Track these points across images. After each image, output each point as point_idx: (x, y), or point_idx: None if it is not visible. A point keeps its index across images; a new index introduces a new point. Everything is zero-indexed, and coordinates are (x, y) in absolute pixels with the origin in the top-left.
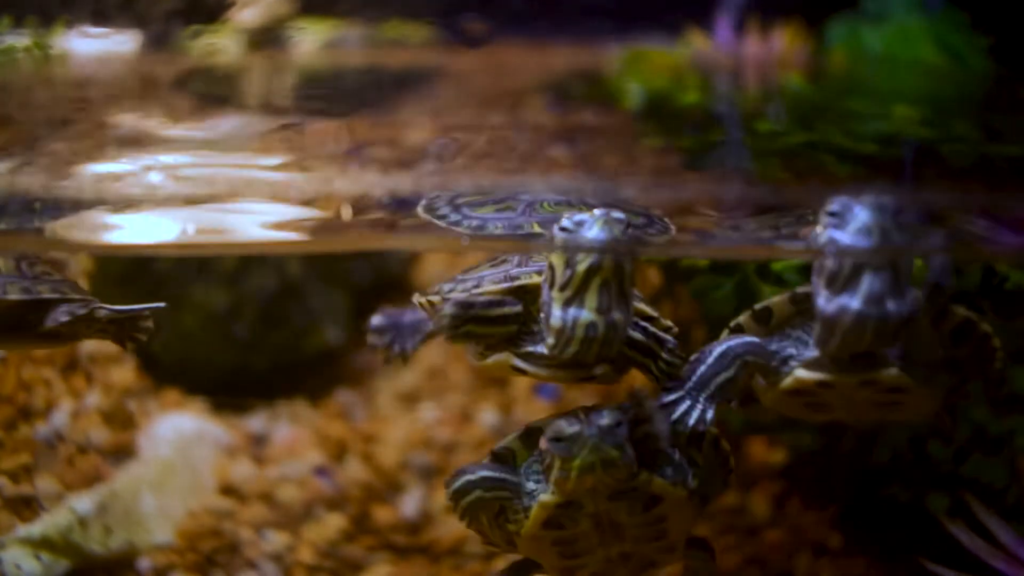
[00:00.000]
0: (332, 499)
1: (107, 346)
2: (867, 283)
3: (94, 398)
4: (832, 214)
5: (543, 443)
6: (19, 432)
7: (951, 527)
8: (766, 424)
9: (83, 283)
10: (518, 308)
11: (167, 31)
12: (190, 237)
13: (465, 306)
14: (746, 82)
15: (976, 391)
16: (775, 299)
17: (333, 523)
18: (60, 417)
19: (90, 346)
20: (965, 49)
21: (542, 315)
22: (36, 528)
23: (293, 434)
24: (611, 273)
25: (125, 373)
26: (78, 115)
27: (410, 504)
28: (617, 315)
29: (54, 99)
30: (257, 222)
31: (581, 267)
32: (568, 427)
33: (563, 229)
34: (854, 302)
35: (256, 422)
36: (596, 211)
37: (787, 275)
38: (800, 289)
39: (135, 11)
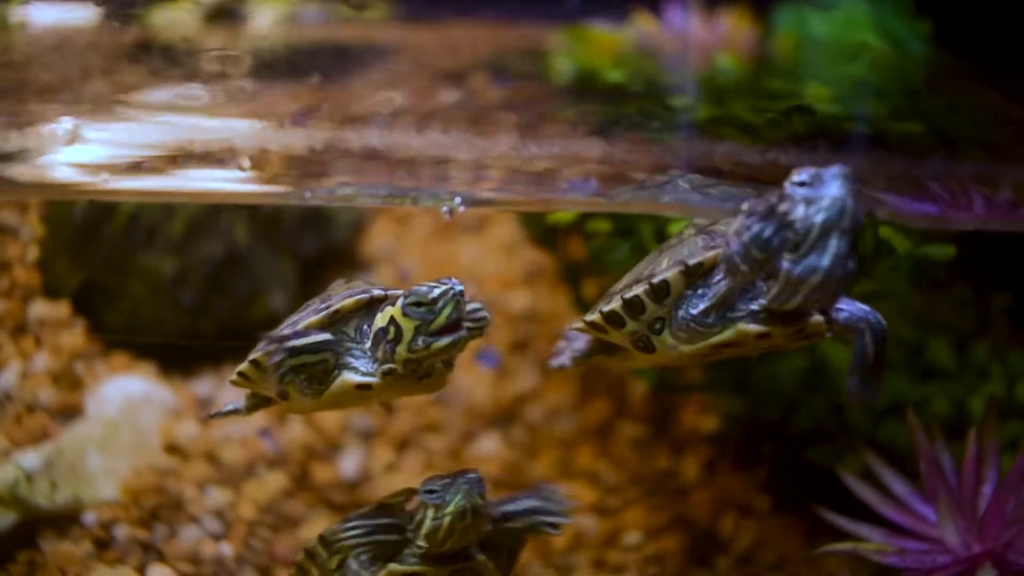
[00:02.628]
0: (273, 459)
1: (57, 310)
2: (835, 245)
3: (43, 360)
4: (802, 183)
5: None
6: None
7: (844, 477)
8: (695, 385)
9: (34, 251)
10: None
11: (126, 3)
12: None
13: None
14: (682, 63)
15: (894, 359)
16: (672, 274)
17: (274, 481)
18: (8, 377)
19: (40, 310)
20: (906, 35)
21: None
22: None
23: (238, 397)
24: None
25: (74, 337)
26: (33, 81)
27: (349, 463)
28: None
29: (9, 65)
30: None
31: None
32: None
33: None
34: (823, 261)
35: (202, 386)
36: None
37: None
38: (692, 261)
39: None
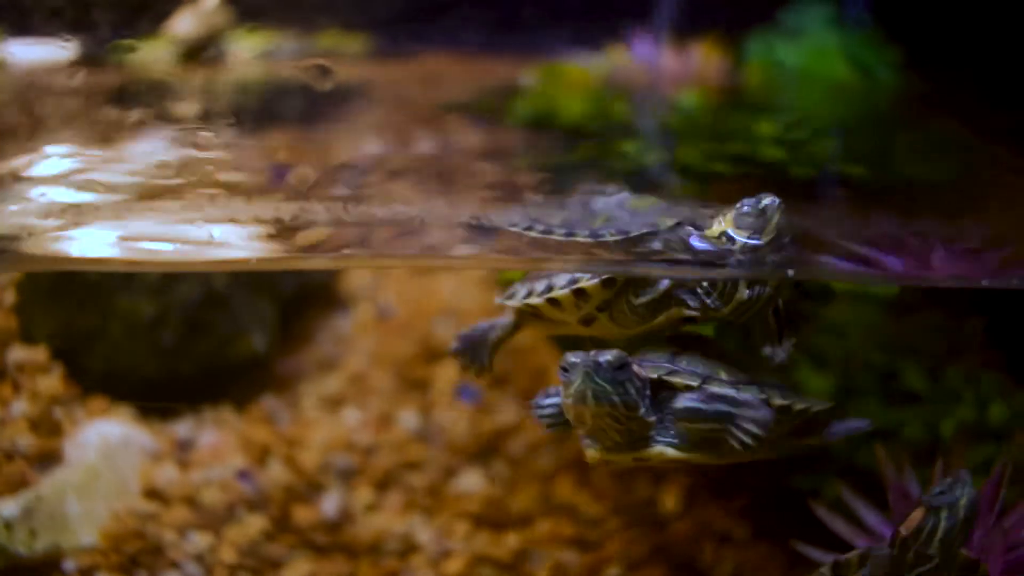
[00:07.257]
0: (254, 500)
1: (35, 355)
2: None
3: (21, 406)
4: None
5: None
6: None
7: (816, 509)
8: None
9: (11, 295)
10: None
11: (103, 41)
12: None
13: None
14: (649, 98)
15: (868, 385)
16: None
17: (254, 523)
18: None
19: (17, 355)
20: (875, 64)
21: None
22: None
23: (218, 439)
24: None
25: (52, 381)
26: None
27: (330, 504)
28: None
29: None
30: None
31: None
32: (571, 358)
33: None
34: None
35: (182, 428)
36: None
37: None
38: None
39: (72, 20)
